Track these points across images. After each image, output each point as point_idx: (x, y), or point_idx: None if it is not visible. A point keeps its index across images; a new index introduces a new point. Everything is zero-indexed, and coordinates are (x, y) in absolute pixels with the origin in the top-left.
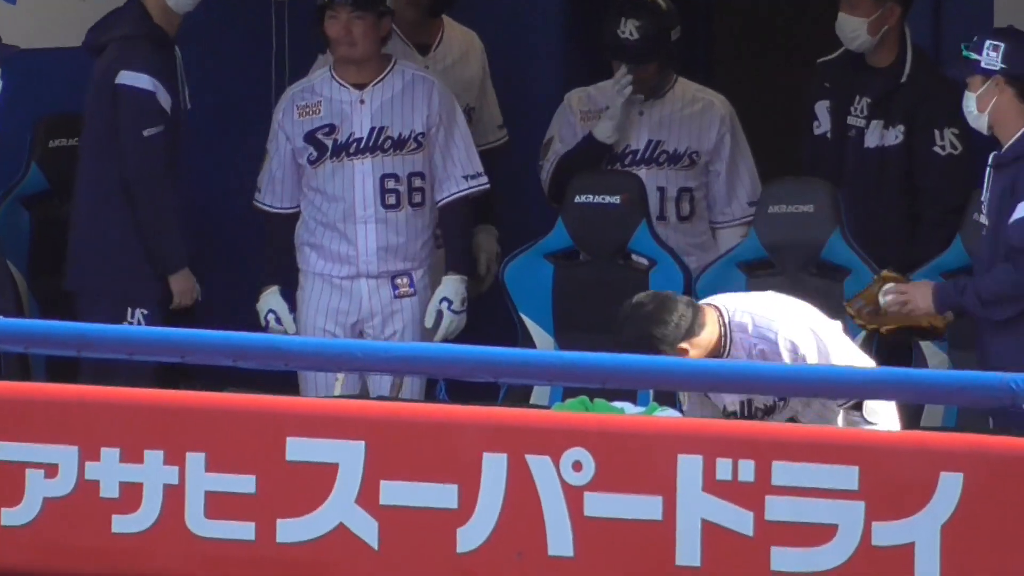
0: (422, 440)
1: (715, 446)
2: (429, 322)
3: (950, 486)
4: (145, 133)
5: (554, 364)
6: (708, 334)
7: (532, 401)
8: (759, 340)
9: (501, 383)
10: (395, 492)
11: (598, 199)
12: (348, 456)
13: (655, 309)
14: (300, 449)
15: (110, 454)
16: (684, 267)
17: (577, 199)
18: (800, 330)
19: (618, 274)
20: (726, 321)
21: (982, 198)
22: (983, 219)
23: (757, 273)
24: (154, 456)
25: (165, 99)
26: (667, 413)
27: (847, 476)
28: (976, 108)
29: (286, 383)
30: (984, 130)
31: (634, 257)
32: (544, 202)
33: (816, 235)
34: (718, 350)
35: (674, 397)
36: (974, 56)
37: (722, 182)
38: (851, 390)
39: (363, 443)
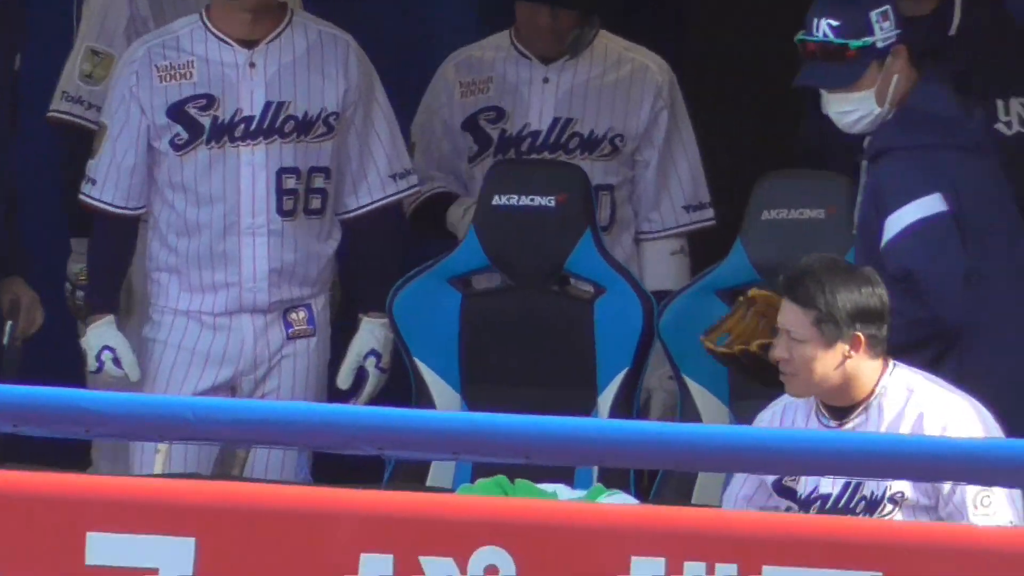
0: (276, 536)
1: (683, 544)
2: (346, 382)
3: None
4: None
5: (460, 430)
6: (869, 365)
7: (429, 482)
8: (927, 407)
9: (386, 456)
10: None
11: (525, 201)
12: (172, 557)
13: (860, 274)
14: (105, 549)
15: None
16: (644, 295)
17: (495, 201)
18: (988, 428)
19: (551, 306)
20: (889, 370)
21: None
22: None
23: None
24: None
25: None
26: (617, 499)
27: None
28: (877, 102)
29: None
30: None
31: (574, 282)
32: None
33: (829, 250)
34: (859, 393)
35: (629, 477)
36: (869, 40)
37: (651, 176)
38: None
39: (193, 540)
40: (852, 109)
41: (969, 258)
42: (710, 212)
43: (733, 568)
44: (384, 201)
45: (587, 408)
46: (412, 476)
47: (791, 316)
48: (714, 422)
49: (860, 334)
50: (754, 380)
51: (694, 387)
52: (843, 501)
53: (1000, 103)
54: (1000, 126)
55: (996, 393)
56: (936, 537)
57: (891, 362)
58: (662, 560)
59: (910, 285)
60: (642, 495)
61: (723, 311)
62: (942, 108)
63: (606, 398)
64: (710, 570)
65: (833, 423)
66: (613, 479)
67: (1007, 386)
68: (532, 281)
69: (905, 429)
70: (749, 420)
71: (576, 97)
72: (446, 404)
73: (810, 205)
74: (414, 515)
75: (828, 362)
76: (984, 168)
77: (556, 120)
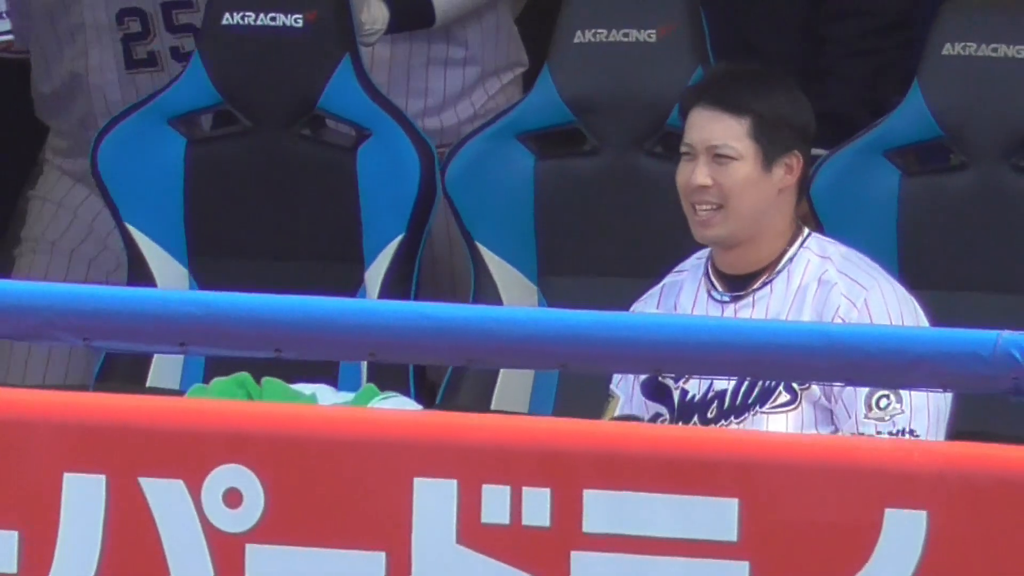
0: None
1: (483, 463)
2: None
3: (903, 534)
4: None
5: (188, 314)
6: (787, 210)
7: (151, 383)
8: (840, 278)
9: (93, 349)
10: None
11: (265, 19)
12: None
13: (784, 79)
14: None
15: None
16: (422, 142)
17: (226, 20)
18: (909, 311)
19: (299, 153)
20: (803, 234)
21: None
22: None
23: (554, 152)
24: None
25: None
26: (394, 404)
27: (718, 516)
28: None
29: None
30: None
31: (330, 124)
32: None
33: (661, 83)
34: (767, 253)
35: (408, 375)
36: None
37: None
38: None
39: None
40: None
41: None
42: None
43: (545, 493)
44: None
45: (352, 286)
46: (128, 374)
47: (718, 127)
48: (517, 303)
49: (799, 153)
50: None
51: (491, 258)
52: (740, 398)
53: None
54: None
55: None
56: (812, 454)
57: (803, 227)
58: (453, 483)
59: None
60: (425, 398)
61: (526, 160)
62: None
63: (375, 273)
64: (516, 495)
65: (728, 297)
66: (388, 377)
67: None
68: (274, 123)
69: (810, 305)
70: (561, 300)
71: None
72: (169, 281)
73: (637, 25)
74: (131, 425)
75: (764, 191)
76: None
77: None
